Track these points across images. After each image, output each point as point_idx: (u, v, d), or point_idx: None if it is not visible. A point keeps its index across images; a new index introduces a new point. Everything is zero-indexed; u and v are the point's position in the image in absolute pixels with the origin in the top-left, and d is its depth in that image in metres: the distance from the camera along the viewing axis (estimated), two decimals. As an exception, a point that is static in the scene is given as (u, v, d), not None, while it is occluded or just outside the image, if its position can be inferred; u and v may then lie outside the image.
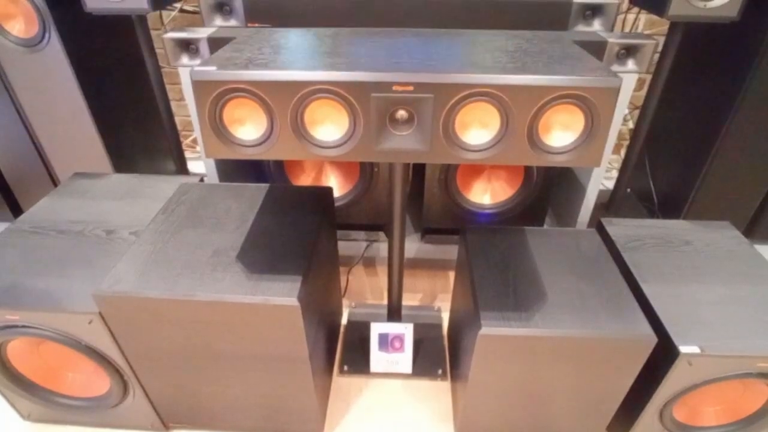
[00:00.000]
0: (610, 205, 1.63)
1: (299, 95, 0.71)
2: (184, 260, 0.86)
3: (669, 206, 1.60)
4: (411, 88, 0.70)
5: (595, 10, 1.17)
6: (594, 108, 0.71)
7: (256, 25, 1.21)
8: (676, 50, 1.24)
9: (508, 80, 0.69)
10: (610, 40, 1.09)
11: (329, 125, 0.75)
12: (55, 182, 1.46)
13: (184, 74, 1.19)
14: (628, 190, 1.80)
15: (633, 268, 0.99)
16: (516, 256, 0.98)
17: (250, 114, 0.75)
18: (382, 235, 1.55)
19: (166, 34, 1.13)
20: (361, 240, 1.52)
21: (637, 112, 1.98)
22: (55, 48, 1.19)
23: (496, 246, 1.01)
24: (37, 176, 1.46)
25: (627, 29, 1.83)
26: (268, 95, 0.71)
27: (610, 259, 0.99)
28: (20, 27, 1.17)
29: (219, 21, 1.21)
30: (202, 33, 1.13)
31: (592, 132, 0.73)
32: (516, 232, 1.05)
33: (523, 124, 0.72)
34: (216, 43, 1.12)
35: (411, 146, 0.75)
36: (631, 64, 1.13)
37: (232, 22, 1.21)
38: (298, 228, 0.95)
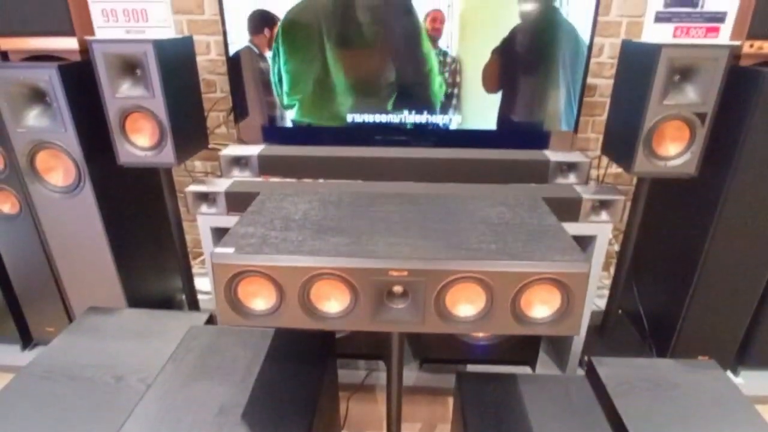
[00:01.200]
0: (602, 328, 1.68)
1: (307, 277, 0.80)
2: (191, 420, 0.90)
3: (659, 331, 1.65)
4: (406, 273, 0.79)
5: (570, 167, 1.32)
6: (568, 288, 0.80)
7: (268, 177, 1.35)
8: (649, 186, 1.37)
9: (491, 266, 0.79)
10: (585, 196, 1.22)
11: (332, 300, 0.83)
12: (67, 309, 1.53)
13: (203, 221, 1.30)
14: (620, 311, 1.86)
15: (624, 417, 1.02)
16: (508, 408, 1.02)
17: (261, 289, 0.84)
18: (381, 363, 1.58)
19: (188, 188, 1.26)
20: (362, 369, 1.55)
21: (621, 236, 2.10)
22: (86, 194, 1.32)
23: (490, 394, 1.05)
24: (51, 302, 1.52)
25: (602, 170, 1.98)
26: (279, 277, 0.81)
27: (600, 409, 1.03)
28: (59, 177, 1.31)
29: (236, 172, 1.35)
30: (220, 187, 1.26)
31: (569, 306, 0.81)
32: (508, 380, 1.10)
33: (506, 301, 0.81)
34: (232, 197, 1.25)
35: (406, 318, 0.83)
36: (604, 215, 1.25)
37: (247, 174, 1.36)
38: (301, 380, 1.00)
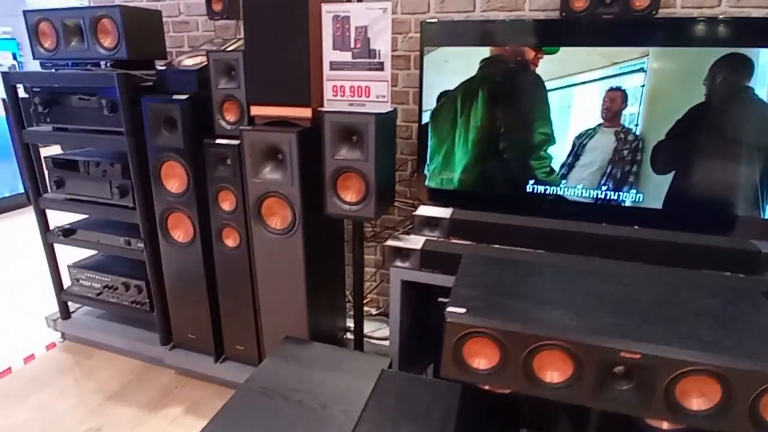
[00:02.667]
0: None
1: (535, 345, 0.86)
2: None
3: None
4: (638, 356, 0.81)
5: (781, 258, 1.24)
6: (823, 399, 0.75)
7: (457, 239, 1.46)
8: None
9: (732, 363, 0.78)
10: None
11: (554, 371, 0.88)
12: (258, 333, 1.75)
13: (395, 273, 1.44)
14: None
15: None
16: None
17: (485, 349, 0.91)
18: None
19: (387, 242, 1.42)
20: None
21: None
22: (297, 237, 1.54)
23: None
24: (246, 324, 1.76)
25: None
26: (508, 341, 0.88)
27: None
28: (277, 221, 1.55)
29: (426, 232, 1.48)
30: (415, 245, 1.40)
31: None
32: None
33: (745, 401, 0.78)
34: (427, 255, 1.38)
35: (630, 401, 0.84)
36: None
37: (436, 234, 1.48)
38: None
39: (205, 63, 1.65)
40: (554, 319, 0.89)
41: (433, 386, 1.23)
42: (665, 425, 1.40)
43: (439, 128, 1.59)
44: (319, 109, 1.48)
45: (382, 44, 1.40)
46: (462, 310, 0.94)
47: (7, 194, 3.91)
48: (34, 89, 1.79)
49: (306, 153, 1.48)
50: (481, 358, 0.92)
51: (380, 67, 1.42)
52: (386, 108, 1.45)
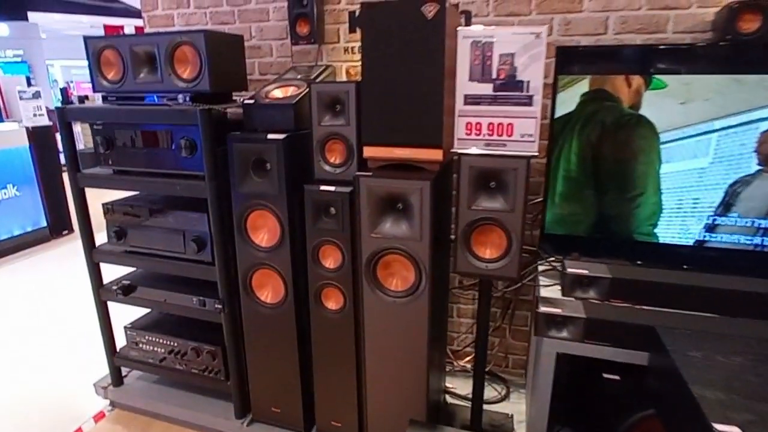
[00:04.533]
0: None
1: None
2: None
3: None
4: None
5: None
6: None
7: (619, 301, 1.22)
8: None
9: None
10: None
11: None
12: (361, 408, 1.49)
13: (549, 345, 1.20)
14: None
15: None
16: None
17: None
18: None
19: (540, 309, 1.18)
20: None
21: None
22: (421, 300, 1.30)
23: None
24: (346, 398, 1.50)
25: None
26: None
27: None
28: (396, 282, 1.31)
29: (578, 293, 1.25)
30: (573, 310, 1.16)
31: None
32: None
33: None
34: (590, 324, 1.14)
35: None
36: None
37: (591, 294, 1.25)
38: None
39: (300, 95, 1.42)
40: None
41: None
42: None
43: (556, 166, 1.39)
44: (454, 150, 1.25)
45: (533, 75, 1.18)
46: (735, 429, 0.71)
47: (29, 229, 3.60)
48: (95, 127, 1.55)
49: (434, 202, 1.25)
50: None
51: (528, 101, 1.20)
52: (533, 149, 1.22)
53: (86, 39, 1.51)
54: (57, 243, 3.77)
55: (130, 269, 1.77)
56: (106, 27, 6.75)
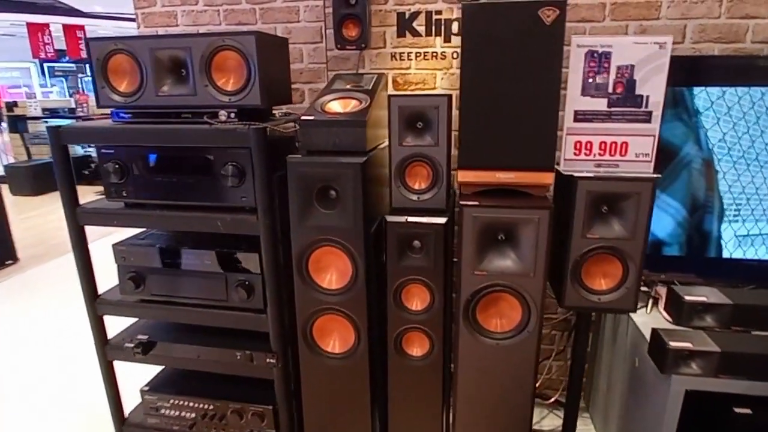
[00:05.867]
0: None
1: None
2: None
3: None
4: None
5: None
6: None
7: (740, 328, 1.15)
8: None
9: None
10: None
11: None
12: None
13: (678, 382, 1.09)
14: None
15: None
16: None
17: None
18: None
19: (671, 344, 1.07)
20: None
21: None
22: (527, 343, 1.15)
23: None
24: None
25: None
26: None
27: None
28: (500, 323, 1.15)
29: (696, 321, 1.16)
30: (710, 345, 1.06)
31: None
32: None
33: None
34: (726, 357, 1.05)
35: None
36: None
37: (709, 321, 1.16)
38: None
39: (366, 109, 1.22)
40: None
41: None
42: None
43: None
44: (569, 172, 1.11)
45: (653, 89, 1.07)
46: None
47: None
48: (103, 151, 1.24)
49: (553, 233, 1.10)
50: None
51: (647, 118, 1.09)
52: (649, 170, 1.11)
53: (88, 41, 1.21)
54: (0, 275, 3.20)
55: (132, 319, 1.46)
56: (29, 25, 5.93)
